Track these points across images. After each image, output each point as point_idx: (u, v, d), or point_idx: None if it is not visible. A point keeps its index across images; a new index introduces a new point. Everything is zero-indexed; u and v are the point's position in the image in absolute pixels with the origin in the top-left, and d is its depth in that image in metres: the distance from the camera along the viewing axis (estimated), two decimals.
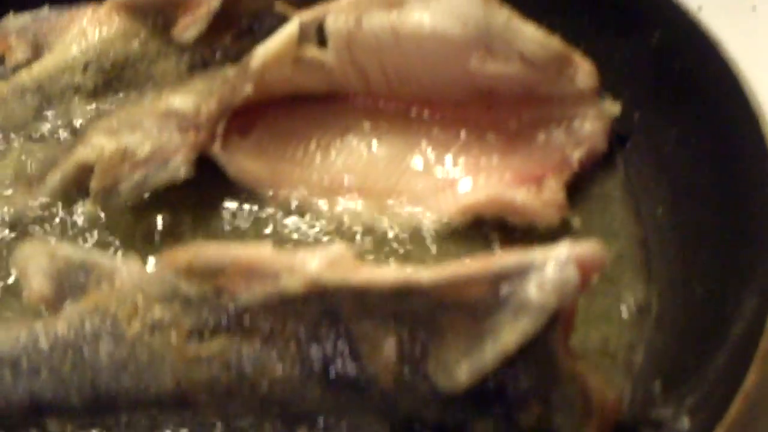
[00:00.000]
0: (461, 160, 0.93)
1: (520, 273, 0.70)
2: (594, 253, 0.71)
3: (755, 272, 0.77)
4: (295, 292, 0.73)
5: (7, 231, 0.92)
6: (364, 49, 0.89)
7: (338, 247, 0.73)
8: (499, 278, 0.70)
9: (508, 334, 0.70)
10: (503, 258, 0.71)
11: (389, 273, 0.71)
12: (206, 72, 0.99)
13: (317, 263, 0.73)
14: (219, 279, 0.76)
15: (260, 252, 0.75)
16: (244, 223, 0.93)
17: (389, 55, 0.90)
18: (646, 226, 0.90)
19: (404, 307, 0.72)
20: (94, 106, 1.00)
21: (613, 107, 0.91)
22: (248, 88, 0.90)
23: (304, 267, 0.72)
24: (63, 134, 0.99)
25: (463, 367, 0.71)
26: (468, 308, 0.71)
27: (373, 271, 0.72)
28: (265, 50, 0.89)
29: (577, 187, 0.93)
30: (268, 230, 0.92)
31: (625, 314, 0.85)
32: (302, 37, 0.90)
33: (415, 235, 0.91)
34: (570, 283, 0.69)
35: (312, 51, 0.90)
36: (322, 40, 0.92)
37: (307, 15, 0.89)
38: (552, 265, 0.69)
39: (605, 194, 0.93)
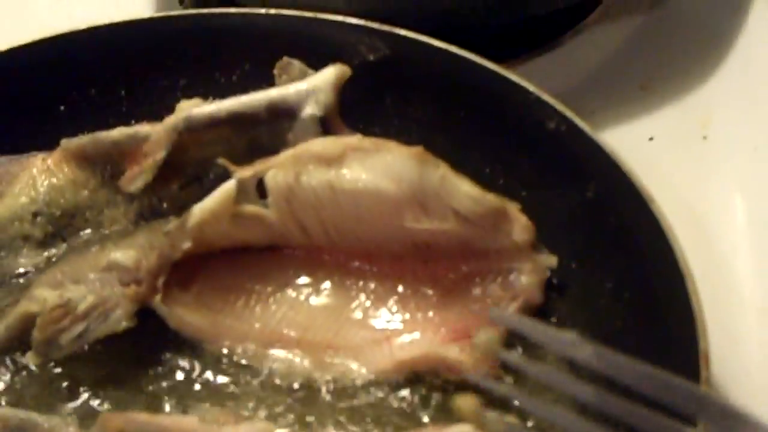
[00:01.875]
0: (398, 314, 0.94)
1: None
2: None
3: None
4: None
5: None
6: (303, 205, 0.92)
7: (262, 425, 0.74)
8: None
9: None
10: None
11: None
12: (150, 224, 1.00)
13: None
14: None
15: (187, 424, 0.79)
16: (183, 376, 0.94)
17: (328, 210, 0.92)
18: (580, 378, 0.89)
19: None
20: (42, 255, 1.01)
21: (549, 260, 0.92)
22: (186, 245, 0.92)
23: None
24: (10, 285, 0.98)
25: None
26: None
27: None
28: (201, 209, 0.91)
29: (512, 340, 0.92)
30: (206, 383, 0.94)
31: None
32: (241, 193, 0.92)
33: (350, 390, 0.92)
34: None
35: (251, 207, 0.92)
36: (262, 195, 0.92)
37: (247, 171, 0.91)
38: None
39: (537, 351, 0.92)
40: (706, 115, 1.20)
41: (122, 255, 0.92)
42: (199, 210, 0.91)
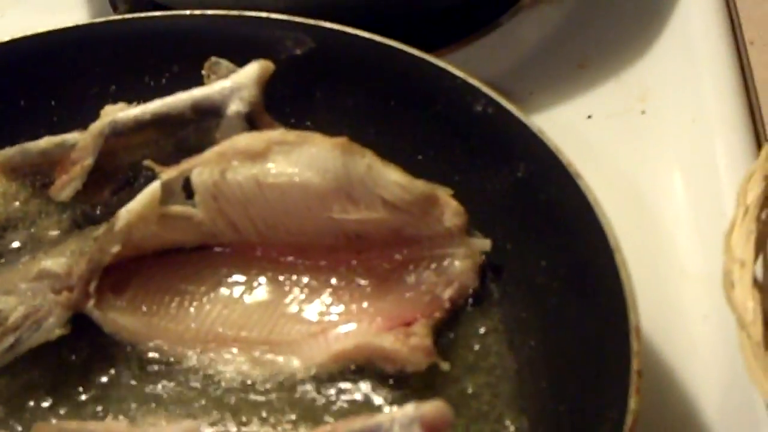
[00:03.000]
0: (333, 306, 0.94)
1: None
2: (439, 412, 0.73)
3: (610, 414, 0.78)
4: None
5: None
6: (230, 201, 0.91)
7: (188, 424, 0.74)
8: None
9: None
10: (349, 423, 0.72)
11: None
12: (83, 231, 0.99)
13: None
14: None
15: (116, 429, 0.78)
16: (117, 380, 0.94)
17: (255, 205, 0.91)
18: (520, 358, 0.90)
19: None
20: None
21: (482, 243, 0.92)
22: (115, 248, 0.92)
23: None
24: None
25: None
26: None
27: None
28: (128, 211, 0.91)
29: (450, 325, 0.92)
30: (141, 387, 0.93)
31: None
32: (167, 194, 0.91)
33: (286, 384, 0.91)
34: None
35: (178, 207, 0.91)
36: (190, 195, 0.92)
37: (172, 172, 0.91)
38: (397, 428, 0.69)
39: (479, 330, 0.93)
40: (644, 91, 1.20)
41: (53, 262, 0.91)
42: (126, 212, 0.90)
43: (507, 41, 1.30)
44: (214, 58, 1.04)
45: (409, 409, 0.73)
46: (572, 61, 1.27)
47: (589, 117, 1.19)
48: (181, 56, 1.10)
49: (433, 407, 0.73)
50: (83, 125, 1.06)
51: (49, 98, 1.12)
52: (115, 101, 1.08)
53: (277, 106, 1.03)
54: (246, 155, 0.90)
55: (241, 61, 1.04)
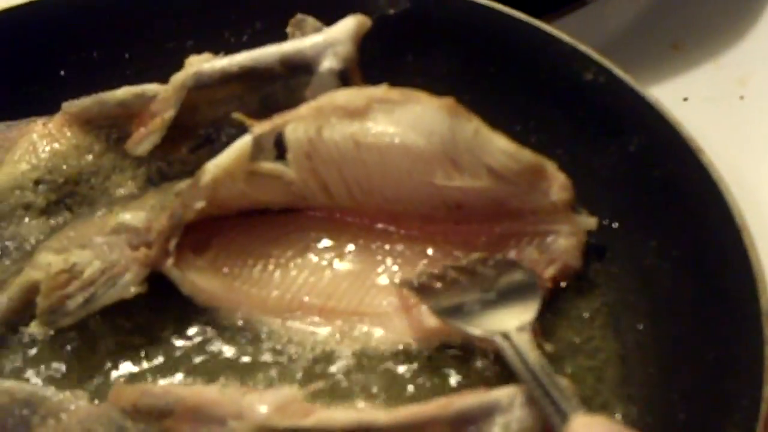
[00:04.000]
0: None
1: (484, 414, 0.67)
2: None
3: (740, 402, 0.72)
4: None
5: None
6: (324, 160, 0.85)
7: (288, 390, 0.70)
8: (461, 420, 0.66)
9: None
10: (465, 398, 0.68)
11: (342, 415, 0.67)
12: (160, 186, 0.93)
13: (266, 408, 0.70)
14: (165, 421, 0.73)
15: (207, 395, 0.73)
16: (197, 346, 0.88)
17: (351, 166, 0.86)
18: (626, 342, 0.85)
19: None
20: (46, 224, 0.94)
21: (588, 221, 0.87)
22: (200, 204, 0.86)
23: (253, 412, 0.70)
24: (13, 255, 0.93)
25: None
26: None
27: (324, 415, 0.67)
28: (215, 165, 0.85)
29: (551, 306, 0.87)
30: (220, 353, 0.88)
31: None
32: (258, 149, 0.86)
33: (375, 360, 0.86)
34: (538, 423, 0.68)
35: (268, 164, 0.85)
36: (280, 152, 0.86)
37: (264, 126, 0.85)
38: (517, 405, 0.64)
39: (582, 310, 0.88)
40: (744, 75, 1.14)
41: (131, 216, 0.86)
42: (213, 167, 0.84)
43: (598, 19, 1.24)
44: (300, 15, 0.98)
45: None
46: (666, 41, 1.20)
47: (685, 100, 1.13)
48: (264, 12, 1.05)
49: None
50: (157, 80, 1.00)
51: (124, 50, 1.06)
52: None
53: (365, 68, 0.96)
54: (345, 112, 0.84)
55: (327, 20, 0.96)
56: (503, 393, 0.67)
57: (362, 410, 0.72)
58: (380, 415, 0.68)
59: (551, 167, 0.86)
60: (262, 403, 0.71)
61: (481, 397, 0.68)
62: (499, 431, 0.68)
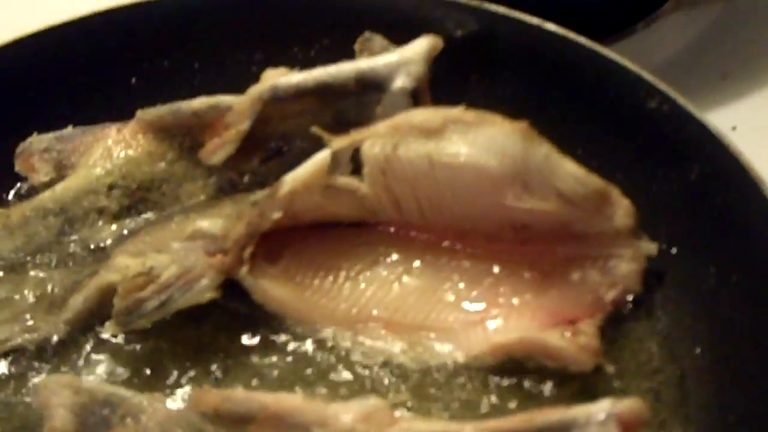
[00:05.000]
0: (492, 296, 0.91)
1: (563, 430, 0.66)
2: (636, 410, 0.70)
3: None
4: None
5: (27, 361, 0.90)
6: (398, 177, 0.88)
7: (373, 401, 0.72)
8: None
9: None
10: (546, 414, 0.69)
11: (427, 427, 0.68)
12: (234, 196, 0.96)
13: (351, 417, 0.71)
14: (247, 427, 0.74)
15: (291, 402, 0.75)
16: (265, 354, 0.91)
17: (424, 184, 0.88)
18: (684, 365, 0.87)
19: None
20: (118, 228, 0.97)
21: (649, 247, 0.89)
22: (276, 214, 0.89)
23: (338, 421, 0.71)
24: (86, 258, 0.96)
25: None
26: None
27: (409, 425, 0.69)
28: (294, 177, 0.88)
29: (611, 327, 0.90)
30: (289, 363, 0.90)
31: None
32: (335, 163, 0.88)
33: (442, 374, 0.88)
34: None
35: (344, 178, 0.88)
36: (355, 167, 0.89)
37: (342, 141, 0.87)
38: (594, 424, 0.67)
39: (640, 334, 0.91)
40: None
41: (209, 223, 0.89)
42: (292, 179, 0.87)
43: (644, 48, 1.25)
44: (368, 33, 1.01)
45: (605, 404, 0.71)
46: (715, 70, 1.22)
47: (734, 128, 1.14)
48: (332, 29, 1.08)
49: (630, 404, 0.71)
50: (224, 90, 1.02)
51: (193, 61, 1.08)
52: (260, 70, 1.04)
53: (431, 87, 0.98)
54: (421, 131, 0.87)
55: (394, 39, 0.99)
56: (581, 410, 0.69)
57: (447, 422, 0.73)
58: (466, 427, 0.70)
59: (616, 193, 0.88)
60: (346, 412, 0.72)
61: (562, 414, 0.69)
62: None
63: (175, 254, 0.88)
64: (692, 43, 1.26)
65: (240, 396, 0.76)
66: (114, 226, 0.98)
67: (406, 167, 0.87)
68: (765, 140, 1.14)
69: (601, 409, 0.70)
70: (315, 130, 0.89)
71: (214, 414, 0.76)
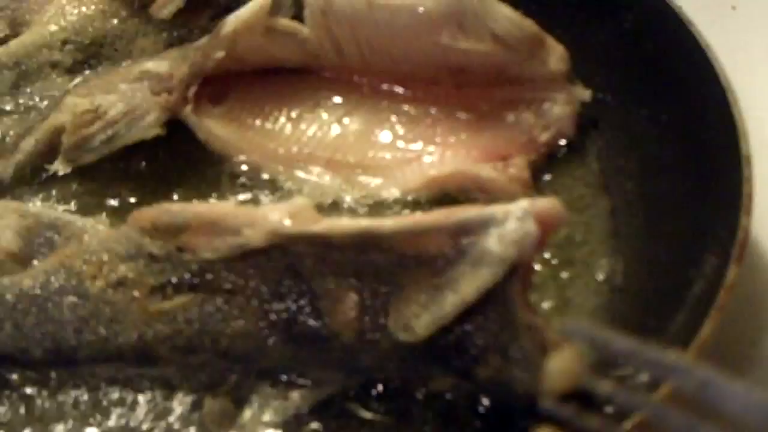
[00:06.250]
0: (429, 135, 0.94)
1: (481, 226, 0.70)
2: (553, 208, 0.71)
3: (716, 235, 0.77)
4: (256, 245, 0.73)
5: None
6: (338, 19, 0.91)
7: (300, 200, 0.73)
8: (459, 230, 0.70)
9: (467, 285, 0.70)
10: (464, 210, 0.71)
11: (350, 223, 0.71)
12: (181, 46, 0.98)
13: (278, 215, 0.73)
14: (182, 236, 0.76)
15: (222, 208, 0.76)
16: (205, 188, 0.94)
17: (363, 26, 0.91)
18: (615, 199, 0.90)
19: (365, 262, 0.72)
20: (71, 81, 1.00)
21: (583, 92, 0.92)
22: (219, 54, 0.91)
23: (266, 219, 0.72)
24: (40, 109, 0.99)
25: (422, 319, 0.70)
26: (428, 262, 0.71)
27: (334, 222, 0.71)
28: (236, 18, 0.90)
29: (545, 170, 0.94)
30: (227, 198, 0.93)
31: (590, 283, 0.84)
32: (277, 5, 0.91)
33: (379, 208, 0.91)
34: (529, 237, 0.69)
35: (285, 21, 0.91)
36: (297, 13, 0.91)
37: None
38: (512, 219, 0.69)
39: (574, 174, 0.94)
40: None
41: (154, 64, 0.91)
42: (234, 18, 0.90)
43: None
44: None
45: (524, 203, 0.71)
46: None
47: (733, 8, 1.17)
48: None
49: (547, 202, 0.72)
50: None
51: None
52: None
53: None
54: None
55: None
56: (499, 208, 0.71)
57: (369, 219, 0.75)
58: (386, 222, 0.72)
59: (550, 39, 0.91)
60: (275, 211, 0.74)
61: (480, 210, 0.71)
62: (493, 242, 0.70)
63: (122, 94, 0.90)
64: None
65: (175, 208, 0.78)
66: (67, 80, 1.00)
67: (346, 8, 0.90)
68: (708, 20, 1.15)
69: (519, 207, 0.71)
70: None
71: (152, 227, 0.78)
